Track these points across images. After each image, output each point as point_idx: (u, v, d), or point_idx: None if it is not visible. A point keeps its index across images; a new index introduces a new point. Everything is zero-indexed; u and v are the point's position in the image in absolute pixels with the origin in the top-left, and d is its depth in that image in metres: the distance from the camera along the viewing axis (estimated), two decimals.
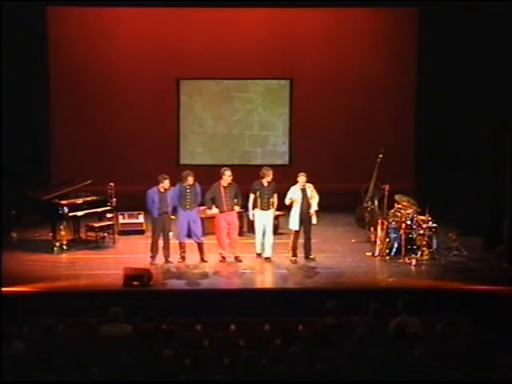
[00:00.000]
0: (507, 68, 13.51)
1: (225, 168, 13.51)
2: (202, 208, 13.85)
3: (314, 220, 13.40)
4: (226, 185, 13.32)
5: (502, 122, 13.77)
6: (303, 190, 13.28)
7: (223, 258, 13.46)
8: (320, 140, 17.49)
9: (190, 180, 13.27)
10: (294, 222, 13.38)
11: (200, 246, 13.46)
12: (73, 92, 17.17)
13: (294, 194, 13.24)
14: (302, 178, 13.25)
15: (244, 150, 17.92)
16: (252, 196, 13.41)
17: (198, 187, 13.40)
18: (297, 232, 13.42)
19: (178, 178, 13.39)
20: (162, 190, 13.23)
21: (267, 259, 13.45)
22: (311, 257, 13.49)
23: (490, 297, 11.67)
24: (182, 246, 13.44)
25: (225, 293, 12.12)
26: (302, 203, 13.27)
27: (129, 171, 16.68)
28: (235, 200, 13.41)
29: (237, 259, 13.45)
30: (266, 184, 13.34)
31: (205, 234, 13.74)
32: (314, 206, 13.33)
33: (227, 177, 13.29)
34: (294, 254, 13.45)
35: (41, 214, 14.63)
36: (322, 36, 17.32)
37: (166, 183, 13.20)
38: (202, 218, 13.86)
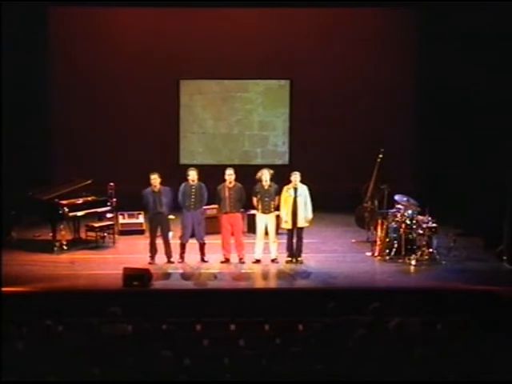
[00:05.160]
0: (508, 67, 13.52)
1: (228, 168, 13.48)
2: (206, 208, 13.93)
3: (304, 222, 13.30)
4: (230, 186, 13.30)
5: (502, 121, 13.77)
6: (295, 190, 13.25)
7: (226, 259, 13.43)
8: (320, 140, 17.49)
9: (191, 175, 13.24)
10: (285, 221, 13.35)
11: (202, 246, 13.45)
12: (73, 92, 17.19)
13: (286, 194, 13.21)
14: (294, 177, 13.20)
15: (244, 149, 17.93)
16: (254, 199, 13.42)
17: (203, 187, 13.37)
18: (290, 231, 13.38)
19: (183, 177, 13.42)
20: (156, 190, 13.22)
21: (274, 260, 13.41)
22: (299, 259, 13.40)
23: (489, 297, 11.66)
24: (183, 247, 13.42)
25: (225, 293, 12.10)
26: (294, 202, 13.24)
27: (129, 171, 16.67)
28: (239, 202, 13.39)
29: (240, 261, 13.42)
30: (266, 187, 13.32)
31: (206, 233, 13.72)
32: (308, 214, 13.20)
33: (226, 176, 13.27)
34: (290, 254, 13.44)
35: (41, 213, 14.62)
36: (322, 36, 17.32)
37: (152, 179, 13.16)
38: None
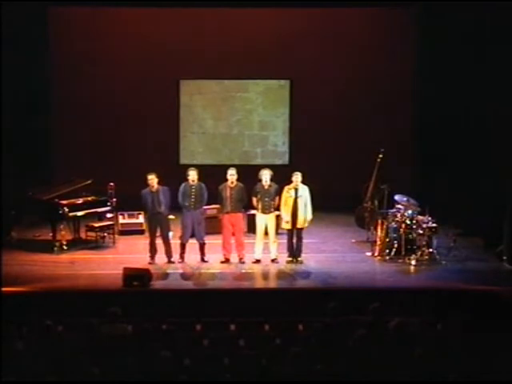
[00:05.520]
0: (507, 68, 13.52)
1: (230, 168, 13.50)
2: (206, 208, 13.93)
3: (304, 223, 13.31)
4: (231, 186, 13.30)
5: (501, 121, 13.77)
6: (296, 190, 13.25)
7: (226, 259, 13.42)
8: (320, 140, 17.49)
9: (191, 175, 13.24)
10: (285, 222, 13.36)
11: (202, 246, 13.44)
12: (73, 92, 17.18)
13: (287, 195, 13.22)
14: (296, 178, 13.21)
15: (244, 149, 17.93)
16: (254, 199, 13.42)
17: (203, 187, 13.36)
18: (289, 231, 13.39)
19: (183, 177, 13.42)
20: (154, 190, 13.22)
21: (273, 260, 13.41)
22: (299, 259, 13.41)
23: (489, 297, 11.66)
24: (183, 247, 13.41)
25: (225, 293, 12.10)
26: (295, 203, 13.24)
27: (129, 171, 16.65)
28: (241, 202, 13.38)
29: (240, 261, 13.41)
30: (266, 187, 13.31)
31: (206, 233, 13.70)
32: (308, 215, 13.20)
33: (229, 175, 13.29)
34: (291, 254, 13.44)
35: (41, 213, 14.63)
36: (322, 36, 17.31)
37: (149, 179, 13.17)
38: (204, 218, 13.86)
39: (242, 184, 13.43)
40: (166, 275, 12.82)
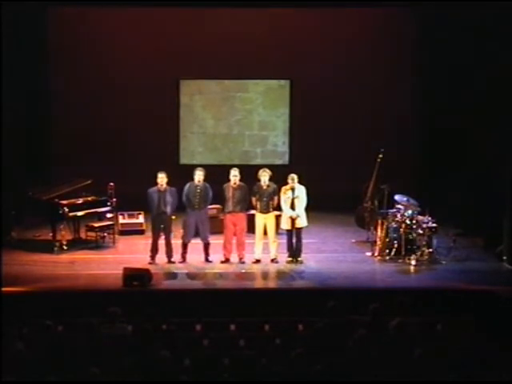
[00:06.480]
0: (506, 67, 13.52)
1: (233, 168, 13.50)
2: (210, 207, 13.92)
3: (302, 223, 13.29)
4: (234, 186, 13.31)
5: (501, 121, 13.77)
6: (293, 190, 13.26)
7: (226, 259, 13.43)
8: (320, 140, 17.48)
9: (198, 175, 13.22)
10: (284, 222, 13.38)
11: (206, 246, 13.43)
12: (73, 91, 17.19)
13: (285, 196, 13.24)
14: (291, 181, 13.21)
15: (244, 149, 17.93)
16: (253, 199, 13.42)
17: (208, 187, 13.35)
18: (289, 231, 13.40)
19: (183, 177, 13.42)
20: (162, 189, 13.23)
21: (273, 260, 13.41)
22: (299, 259, 13.41)
23: (489, 297, 11.66)
24: (185, 247, 13.40)
25: (225, 293, 12.10)
26: (292, 203, 13.24)
27: (129, 171, 16.67)
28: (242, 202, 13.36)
29: (240, 261, 13.41)
30: (264, 187, 13.32)
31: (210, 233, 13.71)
32: (298, 210, 13.20)
33: (231, 176, 13.29)
34: (291, 254, 13.44)
35: (41, 213, 14.62)
36: (322, 36, 17.32)
37: (160, 177, 13.17)
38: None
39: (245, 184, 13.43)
40: (166, 275, 12.82)
